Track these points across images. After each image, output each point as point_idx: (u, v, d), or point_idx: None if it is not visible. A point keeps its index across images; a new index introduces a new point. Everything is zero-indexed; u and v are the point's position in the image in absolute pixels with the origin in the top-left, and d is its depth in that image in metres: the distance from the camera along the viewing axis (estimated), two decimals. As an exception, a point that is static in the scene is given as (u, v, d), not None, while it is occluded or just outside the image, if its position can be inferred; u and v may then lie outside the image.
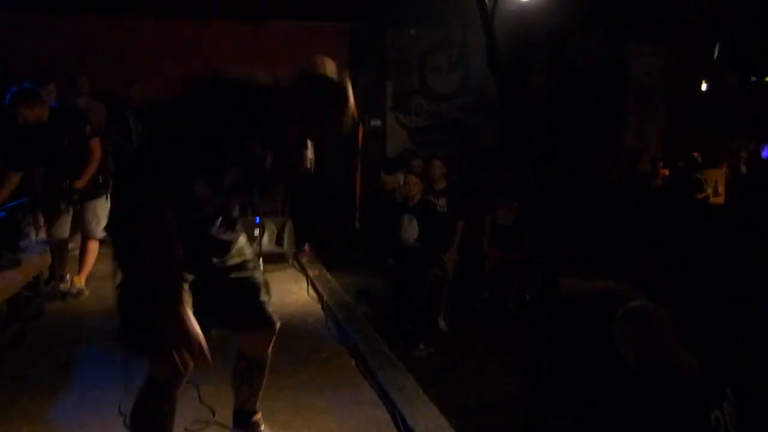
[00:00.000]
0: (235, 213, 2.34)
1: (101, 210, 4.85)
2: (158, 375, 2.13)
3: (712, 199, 8.39)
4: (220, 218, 2.26)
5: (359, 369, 3.64)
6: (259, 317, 2.44)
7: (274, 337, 2.52)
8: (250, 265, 2.43)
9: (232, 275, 2.36)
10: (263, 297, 2.45)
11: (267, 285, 2.49)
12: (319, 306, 4.82)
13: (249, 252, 2.46)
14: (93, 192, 4.82)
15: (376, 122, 7.47)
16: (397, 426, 2.97)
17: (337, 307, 4.64)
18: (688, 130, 9.59)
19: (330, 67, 2.03)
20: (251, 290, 2.42)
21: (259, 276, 2.45)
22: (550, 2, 5.94)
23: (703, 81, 10.23)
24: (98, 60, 6.79)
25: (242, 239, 2.44)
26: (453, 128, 9.13)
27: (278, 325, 2.50)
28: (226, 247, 2.33)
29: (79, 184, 4.76)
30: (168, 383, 2.14)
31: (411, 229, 5.53)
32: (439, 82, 9.12)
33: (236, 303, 2.40)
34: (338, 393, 3.33)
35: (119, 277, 2.13)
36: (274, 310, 2.49)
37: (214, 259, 2.30)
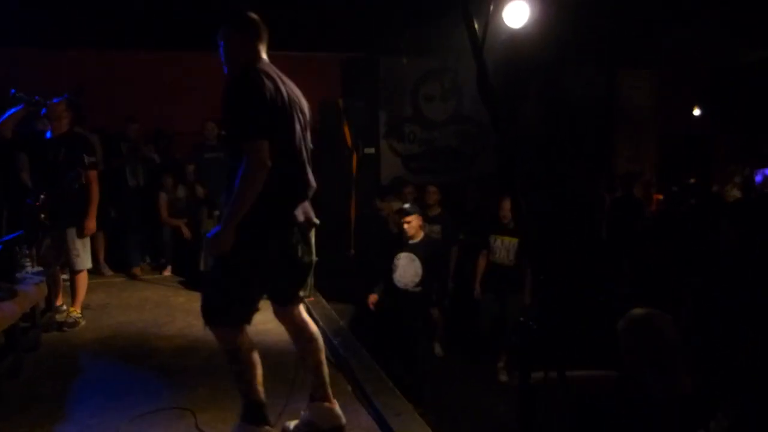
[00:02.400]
0: None
1: (80, 240, 4.84)
2: (224, 342, 2.76)
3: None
4: None
5: (356, 395, 3.64)
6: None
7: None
8: None
9: None
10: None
11: None
12: (316, 333, 4.82)
13: None
14: (70, 220, 4.76)
15: (370, 150, 7.54)
16: (394, 451, 2.97)
17: (333, 333, 4.64)
18: (681, 155, 9.71)
19: None
20: None
21: None
22: (541, 30, 6.07)
23: (695, 106, 10.40)
24: (92, 94, 6.86)
25: None
26: (447, 155, 9.23)
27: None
28: None
29: (89, 225, 4.79)
30: (233, 345, 2.75)
31: (412, 270, 4.96)
32: (432, 109, 9.24)
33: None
34: (335, 419, 3.33)
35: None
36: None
37: None
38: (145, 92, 7.73)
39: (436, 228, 6.10)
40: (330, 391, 2.98)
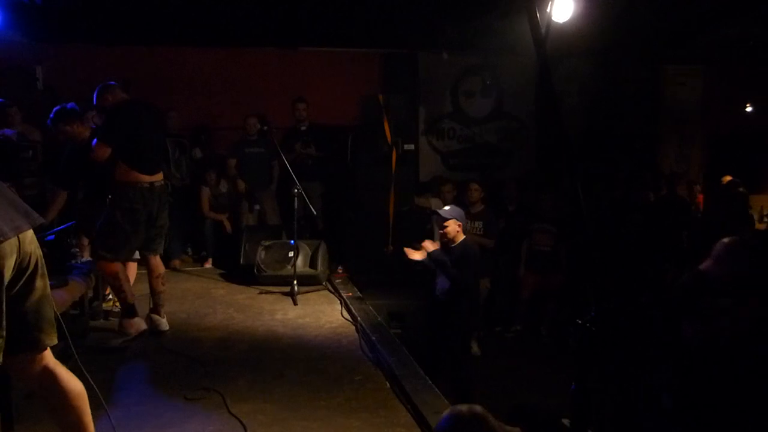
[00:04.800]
0: None
1: None
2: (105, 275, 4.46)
3: (758, 226, 8.18)
4: None
5: (394, 392, 3.64)
6: None
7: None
8: None
9: None
10: None
11: None
12: (354, 328, 4.84)
13: None
14: None
15: (410, 146, 7.53)
16: (432, 449, 2.97)
17: (372, 329, 4.64)
18: (730, 154, 9.35)
19: None
20: None
21: None
22: (585, 24, 5.95)
23: (748, 103, 9.99)
24: (136, 88, 7.03)
25: None
26: (486, 152, 9.14)
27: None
28: None
29: None
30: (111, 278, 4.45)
31: (444, 281, 4.64)
32: (471, 106, 9.16)
33: None
34: (373, 415, 3.34)
35: None
36: None
37: None
38: (188, 88, 7.86)
39: (479, 225, 6.06)
40: (161, 308, 4.63)
